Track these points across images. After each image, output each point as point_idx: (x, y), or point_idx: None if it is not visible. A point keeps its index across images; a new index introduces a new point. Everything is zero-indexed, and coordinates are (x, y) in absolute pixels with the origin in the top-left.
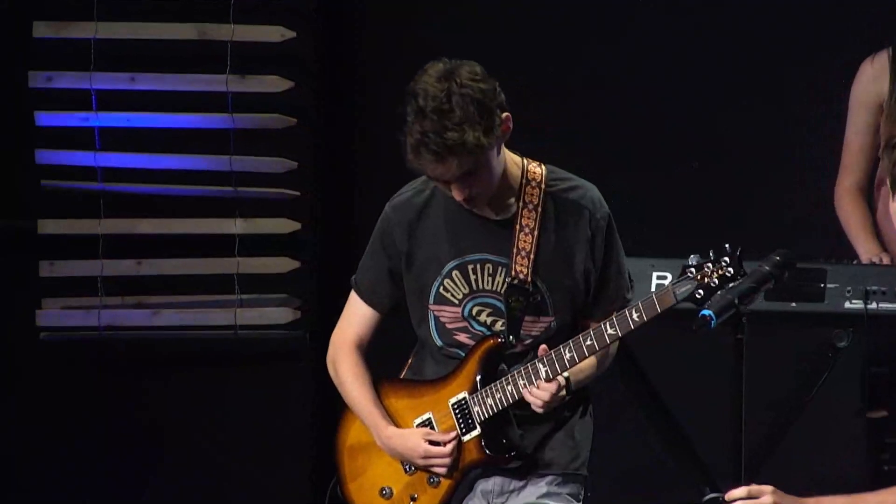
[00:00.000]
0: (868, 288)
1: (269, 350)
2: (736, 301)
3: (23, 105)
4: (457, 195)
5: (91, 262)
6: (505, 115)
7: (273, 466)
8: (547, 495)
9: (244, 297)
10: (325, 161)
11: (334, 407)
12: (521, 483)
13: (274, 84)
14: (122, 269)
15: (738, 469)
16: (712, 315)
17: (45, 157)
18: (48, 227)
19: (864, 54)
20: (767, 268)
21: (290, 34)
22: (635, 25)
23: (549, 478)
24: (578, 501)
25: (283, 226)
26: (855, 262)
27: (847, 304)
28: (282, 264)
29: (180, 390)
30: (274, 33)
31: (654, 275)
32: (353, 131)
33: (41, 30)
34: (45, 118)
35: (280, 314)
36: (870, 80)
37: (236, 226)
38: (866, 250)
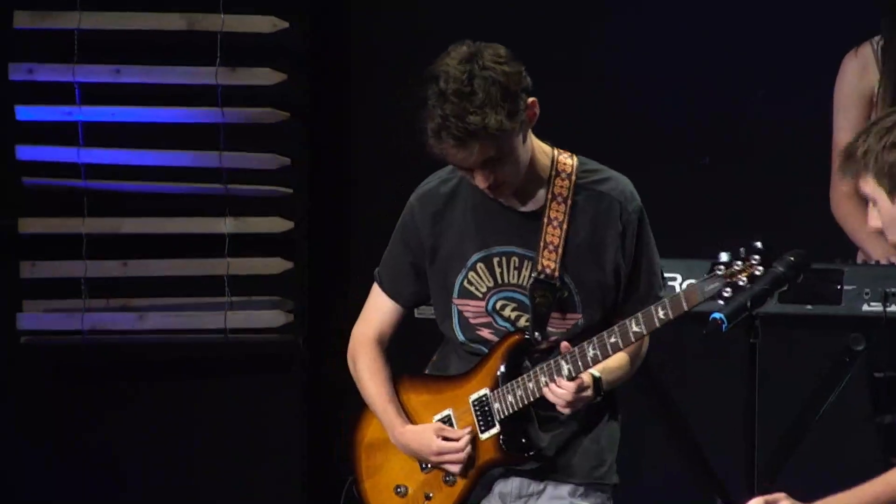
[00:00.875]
0: (887, 290)
1: (261, 354)
2: (748, 304)
3: (3, 98)
4: (480, 182)
5: (74, 263)
6: (531, 99)
7: (264, 474)
8: None
9: (234, 299)
10: (319, 157)
11: (327, 413)
12: (541, 487)
13: (265, 77)
14: (106, 271)
15: (751, 477)
16: (724, 318)
17: (27, 152)
18: (29, 226)
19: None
20: (781, 269)
21: (283, 24)
22: (644, 19)
23: (570, 487)
24: None
25: (276, 225)
26: (873, 262)
27: (865, 307)
28: (274, 265)
29: (168, 397)
30: (265, 24)
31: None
32: (348, 125)
33: (22, 19)
34: (26, 112)
35: (272, 317)
36: (856, 73)
37: (226, 225)
38: (882, 251)
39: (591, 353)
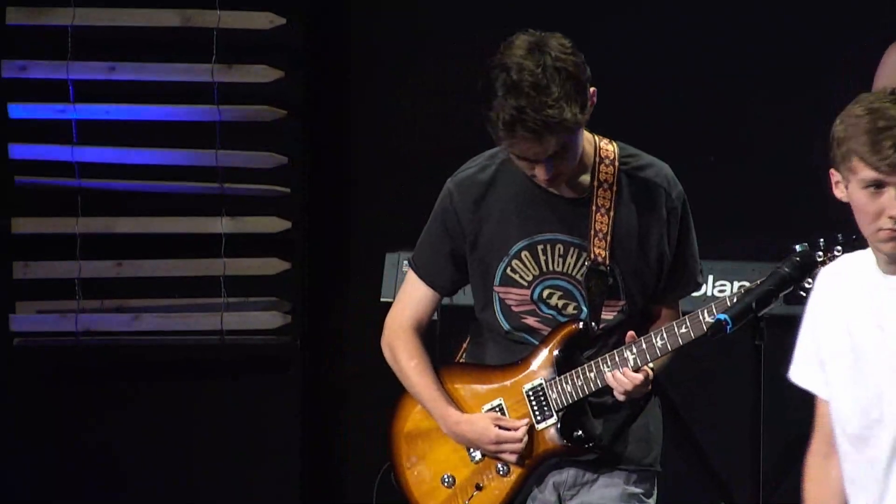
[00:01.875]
0: None
1: (257, 356)
2: (754, 305)
3: None
4: (541, 175)
5: (68, 264)
6: (593, 89)
7: (261, 476)
8: (623, 497)
9: (231, 300)
10: (317, 156)
11: (324, 414)
12: (594, 476)
13: (262, 74)
14: (100, 271)
15: (756, 481)
16: (729, 320)
17: (19, 151)
18: (22, 226)
19: (888, 41)
20: (787, 269)
21: (280, 21)
22: (650, 16)
23: (625, 474)
24: (650, 498)
25: (273, 225)
26: None
27: None
28: (271, 266)
29: (163, 399)
30: (262, 20)
31: None
32: (346, 124)
33: (15, 16)
34: (18, 110)
35: (268, 319)
36: None
37: (223, 225)
38: None
39: (659, 343)
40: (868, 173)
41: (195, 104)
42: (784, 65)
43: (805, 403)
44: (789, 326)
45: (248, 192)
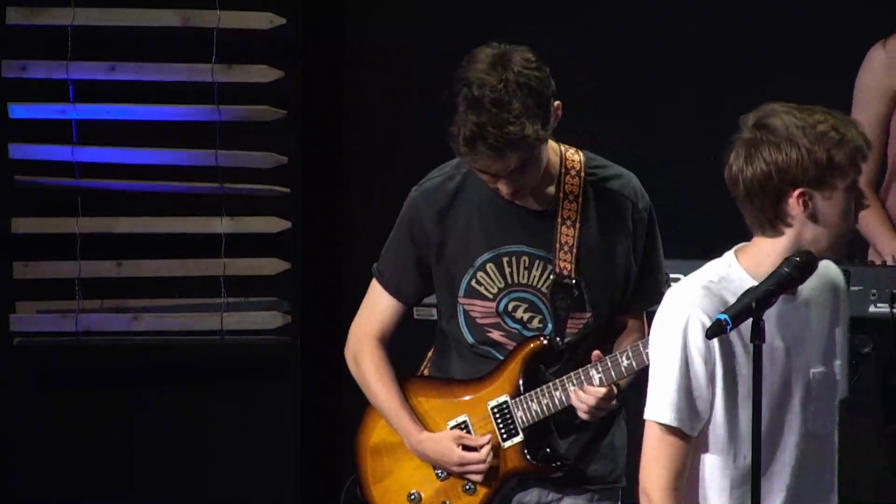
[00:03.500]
0: (894, 291)
1: (257, 356)
2: (753, 305)
3: None
4: (504, 189)
5: (68, 264)
6: (557, 103)
7: (260, 476)
8: None
9: (230, 300)
10: (317, 156)
11: (323, 415)
12: (559, 496)
13: (262, 74)
14: (100, 271)
15: (756, 483)
16: (728, 319)
17: (19, 151)
18: (22, 226)
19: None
20: (787, 270)
21: (280, 21)
22: (649, 15)
23: (589, 493)
24: None
25: (272, 224)
26: (880, 263)
27: (872, 308)
28: (270, 266)
29: (162, 399)
30: (262, 20)
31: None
32: (346, 124)
33: (14, 16)
34: (18, 110)
35: (268, 319)
36: (883, 67)
37: (222, 225)
38: (891, 248)
39: (625, 362)
40: (848, 179)
41: (195, 104)
42: (784, 65)
43: None
44: None
45: (248, 192)
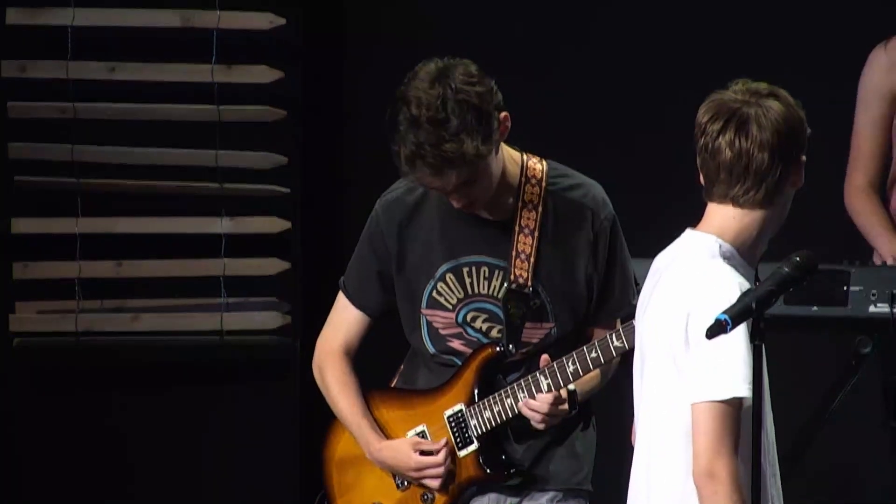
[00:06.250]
0: (894, 291)
1: (257, 357)
2: (754, 305)
3: None
4: (455, 203)
5: (68, 264)
6: (503, 115)
7: (260, 476)
8: None
9: (230, 300)
10: (316, 156)
11: (323, 417)
12: (517, 500)
13: (262, 74)
14: (100, 271)
15: (756, 483)
16: (728, 320)
17: (19, 150)
18: (22, 226)
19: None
20: (787, 270)
21: (280, 21)
22: (649, 15)
23: (550, 494)
24: None
25: (272, 225)
26: (881, 263)
27: (872, 308)
28: (270, 266)
29: (162, 399)
30: (262, 20)
31: None
32: (346, 124)
33: (15, 16)
34: (18, 110)
35: (268, 319)
36: (884, 68)
37: (222, 225)
38: (891, 249)
39: (570, 368)
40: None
41: (195, 104)
42: (784, 65)
43: (805, 404)
44: (789, 327)
45: (248, 193)
